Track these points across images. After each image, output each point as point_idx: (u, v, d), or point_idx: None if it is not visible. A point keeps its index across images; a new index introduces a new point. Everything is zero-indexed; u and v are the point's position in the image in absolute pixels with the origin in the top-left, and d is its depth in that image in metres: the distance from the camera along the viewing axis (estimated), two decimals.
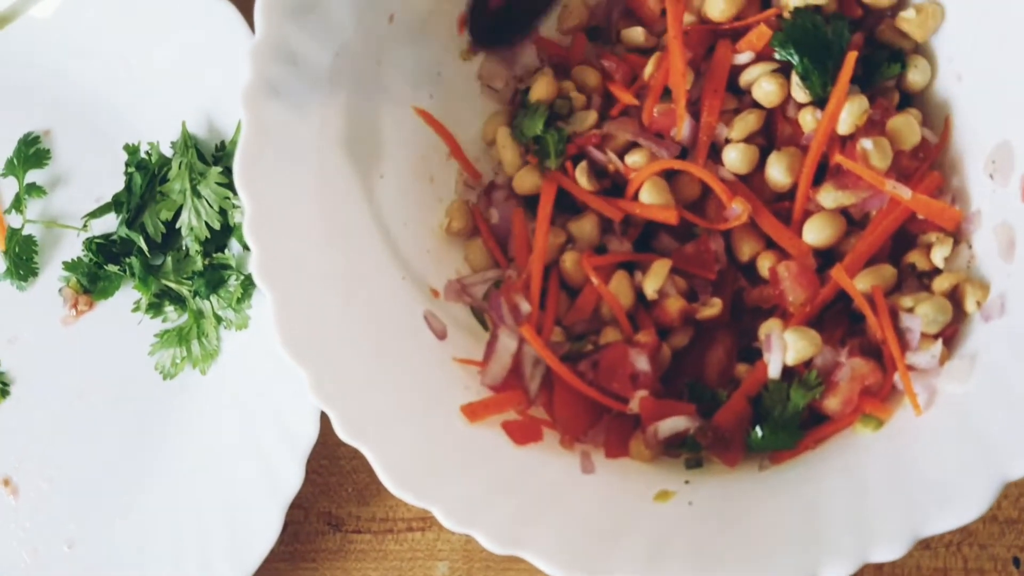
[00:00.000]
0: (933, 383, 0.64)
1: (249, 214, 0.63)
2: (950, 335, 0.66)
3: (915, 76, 0.71)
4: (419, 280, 0.73)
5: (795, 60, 0.69)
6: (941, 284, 0.67)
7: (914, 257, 0.69)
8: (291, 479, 0.74)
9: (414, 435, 0.64)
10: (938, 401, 0.63)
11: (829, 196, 0.69)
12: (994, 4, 0.65)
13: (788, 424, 0.67)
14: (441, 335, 0.71)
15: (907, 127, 0.69)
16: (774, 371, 0.67)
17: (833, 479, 0.63)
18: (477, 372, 0.71)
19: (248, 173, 0.64)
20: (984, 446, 0.58)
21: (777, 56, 0.70)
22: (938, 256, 0.68)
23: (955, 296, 0.67)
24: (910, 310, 0.66)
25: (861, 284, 0.68)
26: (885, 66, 0.70)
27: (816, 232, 0.69)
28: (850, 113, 0.67)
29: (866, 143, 0.67)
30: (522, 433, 0.68)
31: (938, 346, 0.65)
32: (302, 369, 0.62)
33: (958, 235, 0.68)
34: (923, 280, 0.69)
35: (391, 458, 0.61)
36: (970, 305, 0.65)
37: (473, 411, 0.68)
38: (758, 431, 0.67)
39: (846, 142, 0.69)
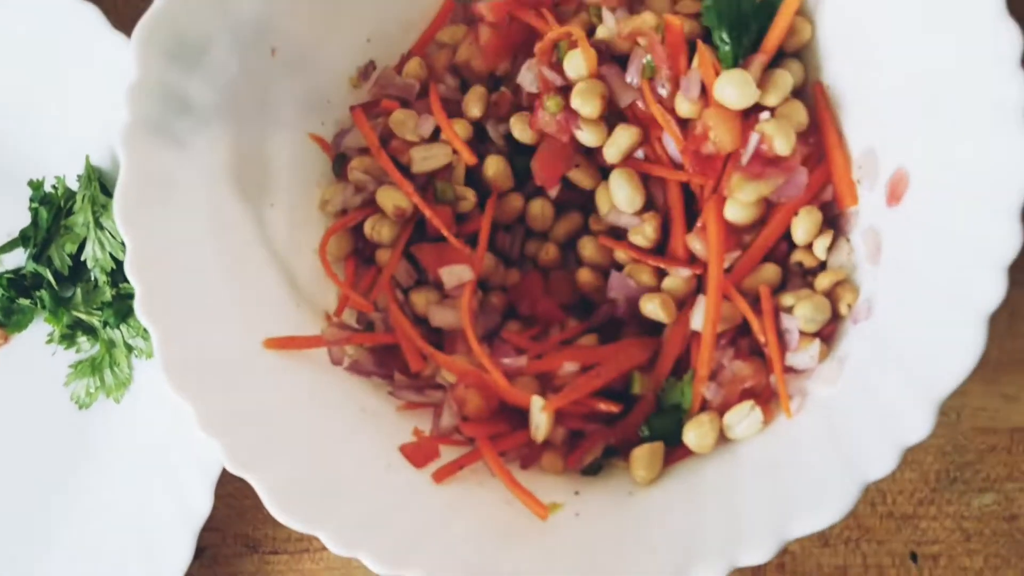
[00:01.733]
0: (805, 385, 0.66)
1: (131, 253, 0.64)
2: (828, 334, 0.67)
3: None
4: (314, 306, 0.74)
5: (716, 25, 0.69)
6: (822, 282, 0.68)
7: (800, 255, 0.70)
8: (202, 504, 0.76)
9: (303, 462, 0.65)
10: (808, 403, 0.65)
11: (746, 189, 0.68)
12: (855, 23, 0.67)
13: (675, 414, 0.69)
14: (337, 360, 0.72)
15: (795, 110, 0.69)
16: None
17: (709, 483, 0.65)
18: (371, 392, 0.72)
19: (129, 213, 0.65)
20: (846, 448, 0.60)
21: (703, 21, 0.70)
22: (819, 248, 0.69)
23: (833, 297, 0.68)
24: (790, 309, 0.68)
25: (747, 283, 0.69)
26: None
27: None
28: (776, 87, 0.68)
29: (767, 126, 0.67)
30: (421, 455, 0.69)
31: (815, 345, 0.66)
32: (188, 404, 0.63)
33: (837, 230, 0.70)
34: (807, 278, 0.70)
35: (277, 487, 0.62)
36: (843, 308, 0.67)
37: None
38: (652, 421, 0.70)
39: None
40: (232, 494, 0.81)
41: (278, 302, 0.72)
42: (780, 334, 0.67)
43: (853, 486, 0.57)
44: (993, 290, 0.56)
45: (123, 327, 0.82)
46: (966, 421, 0.78)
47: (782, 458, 0.63)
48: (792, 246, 0.71)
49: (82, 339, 0.84)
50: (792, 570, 0.77)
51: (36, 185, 0.83)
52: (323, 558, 0.81)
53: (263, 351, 0.69)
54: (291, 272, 0.74)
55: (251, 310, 0.70)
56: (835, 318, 0.67)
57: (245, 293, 0.70)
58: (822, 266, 0.70)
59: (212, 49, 0.69)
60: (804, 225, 0.69)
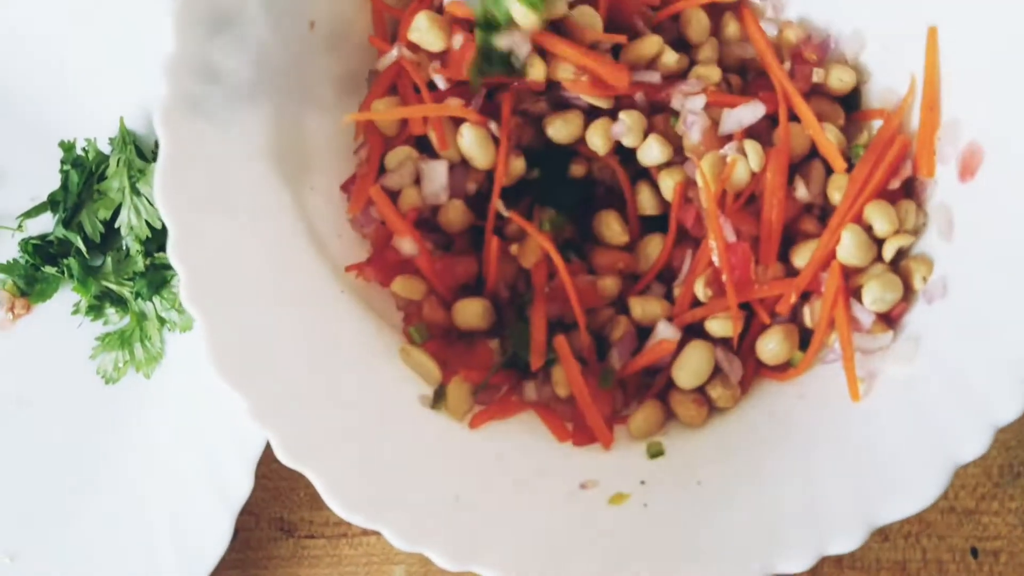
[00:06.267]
0: (874, 365, 0.67)
1: (173, 236, 0.64)
2: (899, 314, 0.68)
3: None
4: (357, 291, 0.74)
5: None
6: (890, 249, 0.69)
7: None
8: (241, 485, 0.76)
9: (361, 453, 0.66)
10: (882, 384, 0.66)
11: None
12: None
13: None
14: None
15: None
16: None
17: (784, 471, 0.66)
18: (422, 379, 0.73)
19: (170, 193, 0.65)
20: (933, 431, 0.61)
21: None
22: (908, 224, 0.70)
23: (905, 271, 0.69)
24: (860, 287, 0.69)
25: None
26: None
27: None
28: None
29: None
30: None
31: (888, 336, 0.67)
32: (239, 395, 0.64)
33: (913, 198, 0.71)
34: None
35: (337, 480, 0.63)
36: (917, 282, 0.68)
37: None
38: None
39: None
40: (267, 475, 0.81)
41: (321, 288, 0.72)
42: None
43: (944, 468, 0.59)
44: None
45: (156, 299, 0.81)
46: None
47: (860, 441, 0.64)
48: None
49: (110, 311, 0.84)
50: (850, 565, 0.78)
51: (68, 147, 0.83)
52: (361, 543, 0.81)
53: (309, 339, 0.69)
54: (332, 258, 0.73)
55: (295, 298, 0.70)
56: (907, 295, 0.68)
57: (289, 278, 0.70)
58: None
59: (250, 22, 0.70)
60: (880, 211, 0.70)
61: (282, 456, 0.63)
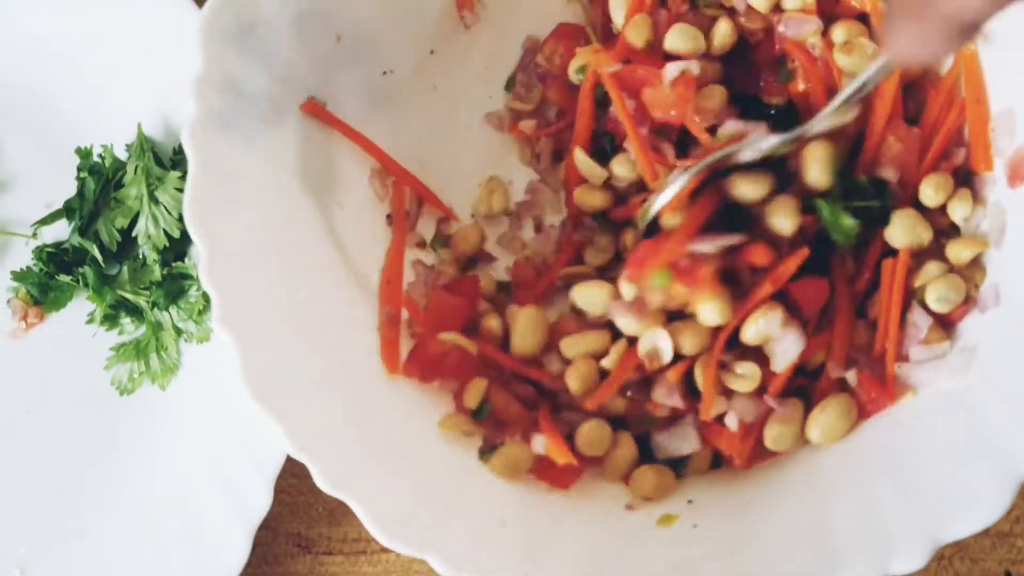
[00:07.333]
0: (928, 376, 0.66)
1: (206, 260, 0.64)
2: (959, 316, 0.67)
3: None
4: None
5: None
6: (960, 252, 0.67)
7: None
8: (259, 500, 0.75)
9: (403, 479, 0.65)
10: (935, 396, 0.65)
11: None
12: None
13: None
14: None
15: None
16: None
17: (838, 486, 0.64)
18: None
19: (200, 215, 0.65)
20: (995, 444, 0.59)
21: None
22: (957, 211, 0.68)
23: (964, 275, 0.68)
24: (921, 288, 0.67)
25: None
26: None
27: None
28: None
29: None
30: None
31: (945, 346, 0.66)
32: (276, 422, 0.63)
33: (974, 192, 0.69)
34: (940, 240, 0.69)
35: (380, 508, 0.62)
36: (971, 289, 0.67)
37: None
38: None
39: None
40: (285, 490, 0.80)
41: (353, 311, 0.71)
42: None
43: (1009, 483, 0.57)
44: None
45: (173, 309, 0.79)
46: None
47: (915, 456, 0.62)
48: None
49: (125, 320, 0.83)
50: None
51: (84, 153, 0.82)
52: (380, 560, 0.80)
53: (342, 364, 0.68)
54: (364, 280, 0.73)
55: (327, 321, 0.70)
56: (967, 300, 0.67)
57: (319, 302, 0.70)
58: (954, 230, 0.69)
59: (277, 37, 0.69)
60: (934, 182, 0.67)
61: (322, 484, 0.62)
